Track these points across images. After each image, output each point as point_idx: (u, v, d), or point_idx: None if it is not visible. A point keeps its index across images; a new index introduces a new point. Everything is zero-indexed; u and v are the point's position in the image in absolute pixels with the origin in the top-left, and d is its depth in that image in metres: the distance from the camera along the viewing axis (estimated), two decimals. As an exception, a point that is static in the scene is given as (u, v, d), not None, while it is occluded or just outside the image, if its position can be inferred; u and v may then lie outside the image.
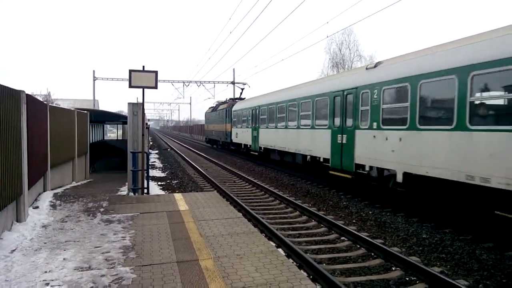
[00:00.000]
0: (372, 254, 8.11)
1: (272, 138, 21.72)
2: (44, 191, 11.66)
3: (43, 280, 5.08)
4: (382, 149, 11.50)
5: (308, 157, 16.83)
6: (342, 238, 9.25)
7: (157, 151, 40.24)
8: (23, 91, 8.00)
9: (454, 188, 9.27)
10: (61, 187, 13.57)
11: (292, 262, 6.22)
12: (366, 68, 12.96)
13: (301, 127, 17.63)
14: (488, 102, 8.63)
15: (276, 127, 21.06)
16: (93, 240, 6.80)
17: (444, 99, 9.48)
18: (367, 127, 12.31)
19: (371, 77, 12.24)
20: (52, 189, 12.24)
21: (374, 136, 11.90)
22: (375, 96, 11.90)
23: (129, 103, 12.37)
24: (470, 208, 9.79)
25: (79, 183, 15.85)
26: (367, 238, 8.61)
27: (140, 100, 12.35)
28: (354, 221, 10.90)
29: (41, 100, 12.67)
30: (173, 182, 18.23)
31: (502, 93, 8.12)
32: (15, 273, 5.31)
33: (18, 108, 7.62)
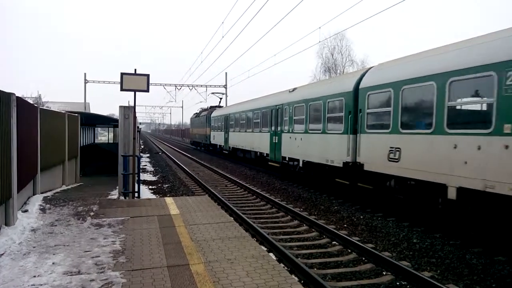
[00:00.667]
0: (363, 258, 8.13)
1: (238, 139, 27.56)
2: (33, 194, 11.54)
3: (32, 285, 5.02)
4: (292, 146, 17.55)
5: (258, 153, 22.88)
6: (334, 242, 9.26)
7: (148, 155, 40.04)
8: (13, 94, 7.92)
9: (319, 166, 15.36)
10: (51, 190, 13.44)
11: (283, 267, 6.21)
12: (289, 91, 18.75)
13: (254, 131, 23.73)
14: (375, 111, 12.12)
15: (239, 131, 27.18)
16: (83, 244, 6.74)
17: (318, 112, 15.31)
18: (286, 131, 18.25)
19: (289, 97, 18.31)
20: (42, 193, 12.12)
21: (290, 137, 17.84)
22: (290, 111, 17.88)
23: (120, 106, 12.31)
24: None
25: (69, 187, 15.71)
26: (358, 242, 8.63)
27: (132, 103, 12.31)
28: (345, 225, 10.93)
29: (31, 102, 12.59)
30: (164, 185, 18.14)
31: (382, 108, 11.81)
32: (3, 278, 5.24)
33: (8, 111, 7.55)
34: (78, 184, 17.69)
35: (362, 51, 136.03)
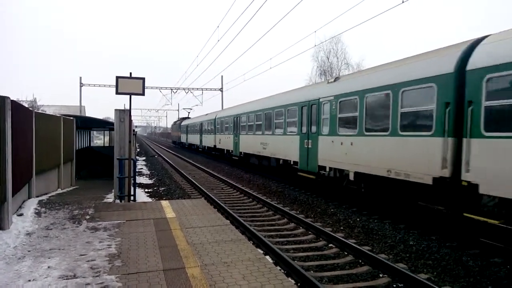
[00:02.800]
0: (360, 261, 8.12)
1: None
2: (29, 198, 11.48)
3: (27, 289, 4.99)
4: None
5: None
6: (330, 245, 9.25)
7: (144, 158, 39.96)
8: (8, 97, 7.89)
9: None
10: (46, 194, 13.37)
11: (280, 270, 6.20)
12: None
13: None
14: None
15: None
16: (78, 248, 6.71)
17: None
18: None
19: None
20: (37, 196, 12.06)
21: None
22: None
23: (116, 110, 12.27)
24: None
25: (64, 190, 15.63)
26: (354, 245, 8.63)
27: (128, 107, 12.27)
28: (341, 228, 10.92)
29: (26, 106, 12.52)
30: (160, 189, 18.10)
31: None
32: (-2, 282, 5.21)
33: (2, 115, 7.52)
34: (74, 187, 17.61)
35: (357, 54, 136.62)
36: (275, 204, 13.19)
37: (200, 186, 17.44)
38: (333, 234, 9.49)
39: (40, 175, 12.76)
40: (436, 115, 9.16)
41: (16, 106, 8.76)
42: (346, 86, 13.08)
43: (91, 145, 46.38)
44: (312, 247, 9.17)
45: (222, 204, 13.03)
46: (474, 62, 8.25)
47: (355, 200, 13.81)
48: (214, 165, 30.32)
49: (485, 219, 8.05)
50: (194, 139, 45.06)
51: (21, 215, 9.05)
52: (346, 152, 12.72)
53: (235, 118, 27.29)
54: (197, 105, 54.73)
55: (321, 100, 14.58)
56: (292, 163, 17.25)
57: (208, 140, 36.68)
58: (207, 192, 15.74)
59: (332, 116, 13.70)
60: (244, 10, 18.44)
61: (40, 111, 24.51)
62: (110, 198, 12.70)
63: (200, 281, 5.22)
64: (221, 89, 52.19)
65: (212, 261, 6.01)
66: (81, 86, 53.19)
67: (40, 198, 11.87)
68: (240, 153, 25.78)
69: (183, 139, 55.54)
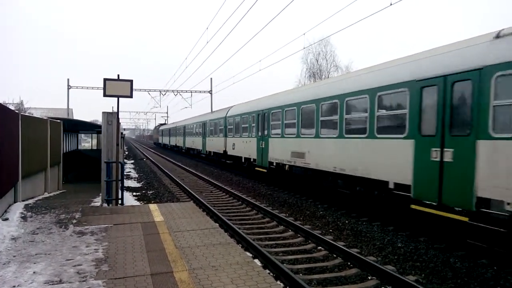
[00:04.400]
0: (349, 263, 8.13)
1: (174, 141, 39.22)
2: (14, 202, 11.34)
3: (11, 295, 4.90)
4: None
5: (185, 148, 32.93)
6: (319, 247, 9.25)
7: (132, 161, 39.69)
8: (-7, 100, 7.78)
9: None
10: (33, 198, 13.22)
11: (269, 273, 6.18)
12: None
13: (187, 136, 32.74)
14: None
15: (174, 137, 41.38)
16: (65, 253, 6.62)
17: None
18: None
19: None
20: (23, 200, 11.91)
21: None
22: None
23: (103, 112, 12.16)
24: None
25: (51, 194, 15.48)
26: (343, 247, 8.64)
27: (115, 108, 12.18)
28: (330, 230, 10.94)
29: (12, 108, 12.34)
30: (148, 192, 17.97)
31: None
32: (-19, 288, 5.11)
33: (-13, 117, 7.41)
34: (61, 191, 17.45)
35: (347, 56, 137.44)
36: (264, 207, 13.17)
37: (189, 189, 17.37)
38: (322, 237, 9.50)
39: (27, 179, 12.61)
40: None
41: (0, 108, 8.64)
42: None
43: (79, 148, 46.03)
44: (301, 249, 9.16)
45: (210, 207, 12.98)
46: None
47: (343, 202, 13.84)
48: (202, 168, 30.25)
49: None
50: (165, 140, 65.97)
51: (6, 219, 8.92)
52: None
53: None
54: (186, 107, 54.50)
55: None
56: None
57: (179, 141, 48.43)
58: (196, 195, 15.67)
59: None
60: (233, 11, 18.44)
61: (27, 114, 24.17)
62: (97, 202, 12.60)
63: (188, 285, 5.18)
64: (210, 92, 52.08)
65: (200, 265, 5.96)
66: (68, 89, 52.65)
67: (26, 202, 11.73)
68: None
69: (160, 140, 76.14)
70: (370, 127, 11.08)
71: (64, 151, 27.96)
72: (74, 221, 9.08)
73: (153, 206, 10.86)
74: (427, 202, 9.13)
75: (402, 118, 9.95)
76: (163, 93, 52.66)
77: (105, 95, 11.16)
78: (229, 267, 5.91)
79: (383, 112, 10.77)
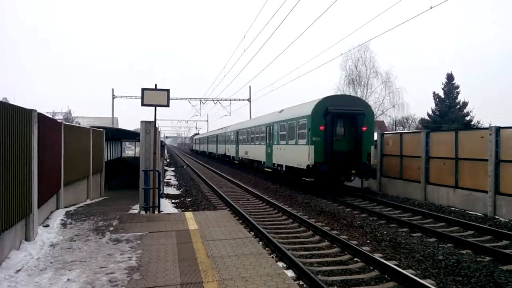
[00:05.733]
0: (386, 276, 7.84)
1: (206, 148, 50.43)
2: (57, 209, 11.69)
3: (44, 302, 5.01)
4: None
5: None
6: (355, 259, 8.99)
7: (173, 168, 40.38)
8: (35, 110, 8.08)
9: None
10: (75, 205, 13.62)
11: (299, 286, 6.02)
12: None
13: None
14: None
15: (204, 144, 59.12)
16: (99, 260, 6.73)
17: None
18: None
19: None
20: (65, 207, 12.27)
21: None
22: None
23: (142, 121, 12.41)
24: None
25: (93, 201, 15.90)
26: (380, 259, 8.34)
27: (159, 117, 12.39)
28: (368, 241, 10.63)
29: (60, 118, 12.85)
30: (187, 199, 18.16)
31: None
32: (17, 295, 5.26)
33: (29, 127, 7.67)
34: (103, 198, 17.91)
35: (386, 62, 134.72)
36: (300, 216, 12.99)
37: (226, 197, 17.42)
38: (359, 248, 9.22)
39: (69, 186, 13.01)
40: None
41: (43, 118, 8.95)
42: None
43: (123, 155, 47.35)
44: (337, 261, 8.94)
45: (246, 216, 12.93)
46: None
47: (383, 212, 13.44)
48: (241, 175, 30.33)
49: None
50: (203, 147, 70.65)
51: (47, 226, 9.20)
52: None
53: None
54: (225, 115, 55.01)
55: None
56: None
57: (213, 148, 55.14)
58: (233, 203, 15.68)
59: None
60: (270, 19, 18.47)
61: (73, 123, 25.01)
62: (135, 209, 12.82)
63: (217, 296, 5.12)
64: (249, 99, 52.36)
65: (231, 276, 5.89)
66: (113, 98, 54.39)
67: (68, 209, 12.08)
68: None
69: (194, 148, 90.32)
70: (268, 139, 25.74)
71: (107, 159, 28.80)
72: (111, 228, 9.26)
73: (188, 214, 10.93)
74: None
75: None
76: (203, 101, 53.42)
77: (143, 104, 11.38)
78: (259, 278, 5.81)
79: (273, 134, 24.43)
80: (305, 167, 18.65)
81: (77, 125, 18.54)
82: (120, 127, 63.65)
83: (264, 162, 26.21)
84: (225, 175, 29.51)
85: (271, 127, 24.74)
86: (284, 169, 22.11)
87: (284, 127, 22.34)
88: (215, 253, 7.08)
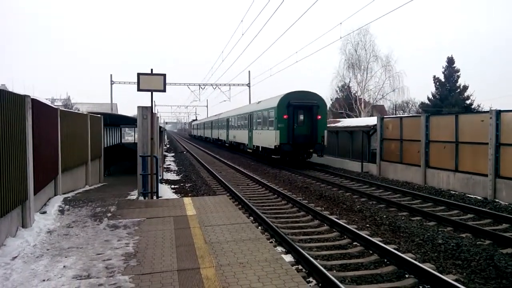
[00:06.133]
0: (385, 260, 7.81)
1: (208, 134, 49.66)
2: (55, 195, 11.62)
3: (40, 290, 4.96)
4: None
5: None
6: (355, 243, 8.96)
7: (173, 154, 40.33)
8: (28, 96, 7.94)
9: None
10: (73, 191, 13.56)
11: (297, 272, 5.97)
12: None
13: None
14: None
15: (209, 128, 54.53)
16: (96, 247, 6.67)
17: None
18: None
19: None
20: (63, 193, 12.21)
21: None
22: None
23: (138, 107, 12.27)
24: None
25: (92, 187, 15.84)
26: (380, 243, 8.31)
27: (158, 102, 12.29)
28: (367, 225, 10.60)
29: (59, 105, 12.71)
30: (186, 185, 18.12)
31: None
32: (13, 282, 5.20)
33: (22, 113, 7.55)
34: (102, 184, 17.84)
35: (386, 45, 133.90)
36: (299, 201, 12.95)
37: (226, 182, 17.38)
38: (358, 232, 9.18)
39: (67, 172, 12.93)
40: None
41: (37, 104, 8.82)
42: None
43: (122, 141, 47.25)
44: (336, 245, 8.91)
45: (246, 201, 12.89)
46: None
47: (382, 196, 13.40)
48: (240, 160, 30.32)
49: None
50: (200, 132, 73.77)
51: (44, 212, 9.14)
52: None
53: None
54: (225, 100, 54.76)
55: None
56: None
57: (208, 133, 60.04)
58: (232, 188, 15.65)
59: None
60: (268, 2, 18.16)
61: (72, 109, 24.78)
62: (134, 195, 12.77)
63: (214, 282, 5.07)
64: (248, 84, 52.04)
65: (228, 262, 5.83)
66: (111, 84, 54.12)
67: (66, 195, 12.02)
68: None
69: (192, 133, 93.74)
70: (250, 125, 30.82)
71: (106, 145, 28.66)
72: (109, 214, 9.20)
73: (187, 200, 10.87)
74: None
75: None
76: (202, 87, 53.13)
77: (139, 89, 11.24)
78: (257, 264, 5.75)
79: (253, 121, 29.73)
80: (273, 147, 24.18)
81: (74, 111, 18.36)
82: (119, 113, 63.45)
83: (247, 144, 31.93)
84: (217, 156, 34.52)
85: (251, 115, 30.39)
86: (260, 149, 27.86)
87: (259, 116, 27.99)
88: (213, 239, 7.02)
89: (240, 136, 35.00)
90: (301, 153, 24.42)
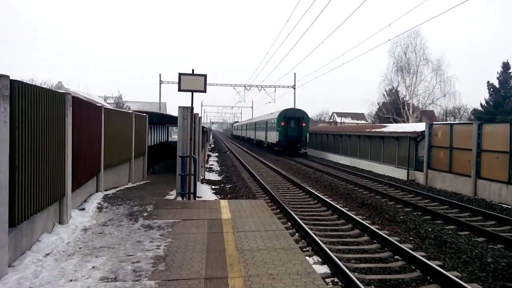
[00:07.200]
0: (428, 278, 7.29)
1: (244, 134, 71.12)
2: (96, 191, 11.81)
3: (65, 290, 4.91)
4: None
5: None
6: (396, 257, 8.46)
7: (217, 154, 40.63)
8: (69, 93, 8.04)
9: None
10: (115, 188, 13.76)
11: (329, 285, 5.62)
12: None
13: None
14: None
15: (244, 130, 74.80)
16: (128, 248, 6.61)
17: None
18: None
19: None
20: (105, 190, 12.40)
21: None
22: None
23: (179, 107, 12.27)
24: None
25: (134, 184, 16.05)
26: (423, 259, 7.78)
27: (205, 103, 12.28)
28: (411, 238, 10.03)
29: (111, 102, 12.95)
30: (226, 186, 18.07)
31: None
32: (41, 280, 5.18)
33: (62, 110, 7.63)
34: (145, 181, 18.09)
35: (437, 48, 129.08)
36: (340, 208, 12.51)
37: (266, 186, 17.16)
38: (400, 245, 8.67)
39: (110, 169, 13.13)
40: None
41: (78, 102, 8.94)
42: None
43: (169, 140, 48.14)
44: (376, 258, 8.45)
45: (284, 205, 12.60)
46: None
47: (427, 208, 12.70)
48: (283, 163, 30.02)
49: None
50: (239, 133, 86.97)
51: (82, 209, 9.25)
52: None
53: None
54: (270, 102, 54.65)
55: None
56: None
57: (244, 133, 75.97)
58: (272, 192, 15.39)
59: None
60: (313, 2, 17.78)
61: (123, 107, 25.35)
62: (172, 194, 12.77)
63: (240, 294, 4.83)
64: (293, 86, 51.65)
65: (258, 272, 5.58)
66: (160, 83, 55.30)
67: (106, 192, 12.19)
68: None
69: (234, 133, 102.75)
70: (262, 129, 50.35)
71: (152, 143, 29.17)
72: (145, 214, 9.19)
73: (223, 202, 10.72)
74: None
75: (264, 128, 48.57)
76: (248, 88, 53.24)
77: (180, 89, 11.21)
78: (287, 276, 5.45)
79: (267, 126, 45.81)
80: (275, 143, 39.88)
81: (118, 109, 18.74)
82: (168, 112, 64.74)
83: (264, 141, 48.03)
84: (249, 152, 43.70)
85: (267, 121, 45.18)
86: (269, 144, 43.61)
87: (270, 123, 42.85)
88: (245, 246, 6.79)
89: (261, 135, 50.46)
90: (292, 147, 38.23)
